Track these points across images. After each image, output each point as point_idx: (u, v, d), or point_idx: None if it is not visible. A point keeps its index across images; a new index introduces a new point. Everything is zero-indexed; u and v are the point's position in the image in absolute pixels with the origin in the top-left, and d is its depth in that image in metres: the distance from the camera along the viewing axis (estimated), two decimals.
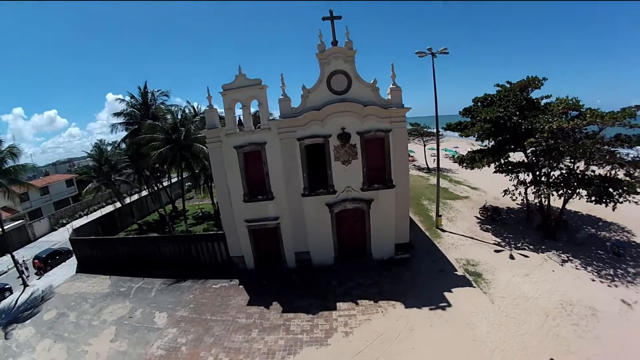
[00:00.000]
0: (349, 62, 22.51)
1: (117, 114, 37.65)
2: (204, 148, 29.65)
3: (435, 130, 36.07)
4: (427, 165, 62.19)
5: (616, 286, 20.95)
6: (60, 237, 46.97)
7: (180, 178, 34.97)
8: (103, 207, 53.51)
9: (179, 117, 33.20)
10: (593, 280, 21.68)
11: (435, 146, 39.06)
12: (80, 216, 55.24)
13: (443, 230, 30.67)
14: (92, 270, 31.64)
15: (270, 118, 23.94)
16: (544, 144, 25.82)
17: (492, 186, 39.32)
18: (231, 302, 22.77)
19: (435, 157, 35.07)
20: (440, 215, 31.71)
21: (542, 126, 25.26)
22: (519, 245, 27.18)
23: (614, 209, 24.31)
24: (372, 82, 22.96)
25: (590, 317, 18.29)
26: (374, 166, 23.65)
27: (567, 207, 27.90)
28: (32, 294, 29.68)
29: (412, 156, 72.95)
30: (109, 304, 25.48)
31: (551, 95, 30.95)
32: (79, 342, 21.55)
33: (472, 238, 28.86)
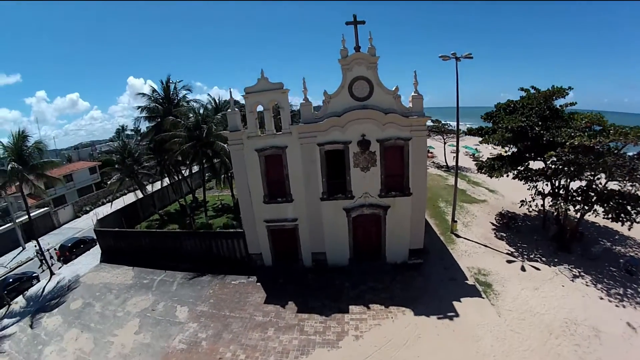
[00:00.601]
0: (372, 68, 22.96)
1: (140, 108, 38.84)
2: (225, 146, 30.65)
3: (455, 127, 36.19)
4: (446, 163, 61.84)
5: (624, 307, 20.99)
6: (84, 225, 48.87)
7: (201, 169, 35.97)
8: (125, 194, 55.13)
9: (201, 112, 34.12)
10: (601, 299, 21.77)
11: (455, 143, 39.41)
12: (103, 203, 57.20)
13: (458, 236, 31.10)
14: (116, 260, 33.22)
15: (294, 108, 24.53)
16: (564, 158, 25.93)
17: (511, 190, 39.19)
18: (249, 299, 23.89)
19: (455, 155, 35.39)
20: (456, 221, 32.10)
21: (564, 140, 25.28)
22: (531, 256, 27.34)
23: (629, 229, 24.47)
24: (393, 89, 23.39)
25: (593, 339, 18.50)
26: (393, 173, 24.25)
27: (586, 216, 27.79)
28: (58, 282, 31.30)
29: (431, 152, 72.94)
30: (132, 295, 26.90)
31: (576, 103, 31.13)
32: (104, 333, 22.96)
33: (486, 246, 29.19)
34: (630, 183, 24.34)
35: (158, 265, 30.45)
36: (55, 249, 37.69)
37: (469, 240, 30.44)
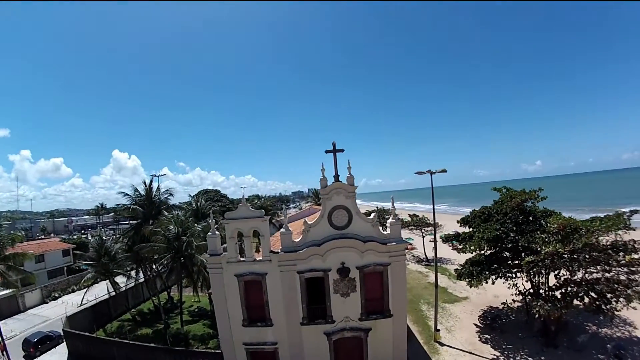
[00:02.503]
0: (350, 197, 24.71)
1: (118, 211, 39.74)
2: (205, 260, 31.30)
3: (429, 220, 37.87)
4: (426, 256, 63.95)
5: None
6: (51, 313, 47.85)
7: (179, 277, 36.35)
8: (97, 282, 54.56)
9: (182, 220, 34.98)
10: None
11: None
12: (74, 290, 56.31)
13: (442, 344, 31.58)
14: None
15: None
16: (540, 263, 27.52)
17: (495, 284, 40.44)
18: None
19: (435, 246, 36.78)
20: (439, 330, 32.73)
21: (539, 247, 27.38)
22: (517, 358, 28.14)
23: (611, 319, 26.06)
24: (372, 217, 25.08)
25: None
26: (372, 297, 25.19)
27: None
28: None
29: (411, 244, 75.25)
30: None
31: (546, 197, 33.86)
32: None
33: (471, 353, 29.74)
34: (606, 272, 26.32)
35: None
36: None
37: (453, 347, 30.95)
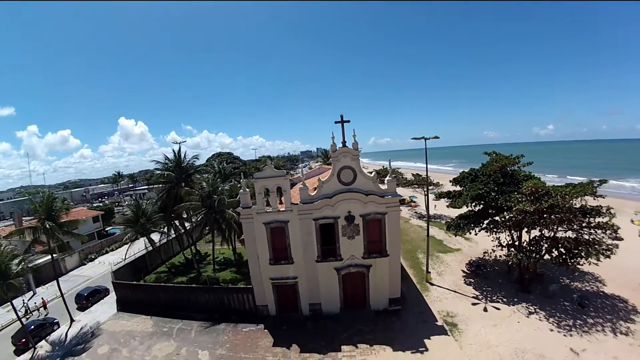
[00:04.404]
0: (355, 159, 31.83)
1: (151, 179, 46.90)
2: (234, 214, 38.85)
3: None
4: (429, 213, 70.94)
5: (571, 335, 28.59)
6: (91, 272, 55.93)
7: (212, 231, 43.60)
8: (127, 243, 62.50)
9: (210, 182, 42.24)
10: (551, 331, 29.49)
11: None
12: (107, 252, 64.37)
13: (432, 284, 39.41)
14: (133, 310, 39.96)
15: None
16: (513, 219, 34.55)
17: (485, 238, 45.45)
18: (259, 344, 31.44)
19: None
20: (429, 272, 40.43)
21: (513, 205, 33.96)
22: (494, 298, 35.49)
23: (574, 271, 33.28)
24: (372, 175, 32.26)
25: None
26: (373, 240, 32.67)
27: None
28: (81, 329, 37.64)
29: (414, 202, 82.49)
30: (155, 342, 33.65)
31: (532, 162, 40.58)
32: None
33: (455, 292, 37.49)
34: (571, 232, 32.97)
35: (174, 315, 37.43)
36: (42, 298, 44.42)
37: (441, 287, 38.74)
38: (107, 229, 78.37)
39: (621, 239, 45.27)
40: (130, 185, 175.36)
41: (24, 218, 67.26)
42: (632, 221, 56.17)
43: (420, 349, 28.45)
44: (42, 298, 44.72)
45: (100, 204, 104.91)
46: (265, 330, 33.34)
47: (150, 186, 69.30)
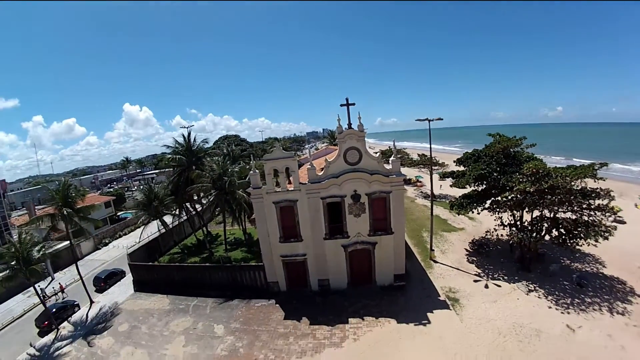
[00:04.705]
0: (360, 140, 33.20)
1: (161, 164, 48.59)
2: (244, 195, 40.54)
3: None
4: (432, 192, 72.09)
5: (568, 313, 29.66)
6: (106, 256, 58.13)
7: (223, 212, 45.52)
8: (140, 227, 64.51)
9: (220, 164, 43.95)
10: (549, 308, 30.69)
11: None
12: (120, 236, 66.64)
13: (435, 262, 41.01)
14: (150, 290, 41.97)
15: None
16: (513, 198, 35.87)
17: (489, 218, 46.25)
18: (271, 317, 33.35)
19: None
20: (433, 250, 42.10)
21: (514, 185, 34.98)
22: (495, 276, 36.91)
23: (573, 251, 34.43)
24: (377, 155, 33.63)
25: (534, 337, 27.03)
26: (378, 218, 34.19)
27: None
28: (100, 309, 39.70)
29: (420, 182, 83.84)
30: (172, 318, 35.66)
31: (535, 144, 41.47)
32: (156, 348, 31.35)
33: (458, 269, 39.04)
34: (572, 213, 33.93)
35: (189, 293, 39.41)
36: (59, 283, 46.64)
37: (444, 264, 40.32)
38: (118, 213, 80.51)
39: (624, 223, 46.89)
40: (138, 171, 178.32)
41: (36, 207, 69.57)
42: (637, 205, 56.87)
43: (423, 322, 30.08)
44: (59, 283, 46.91)
45: (112, 189, 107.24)
46: (277, 305, 35.23)
47: (160, 170, 71.32)
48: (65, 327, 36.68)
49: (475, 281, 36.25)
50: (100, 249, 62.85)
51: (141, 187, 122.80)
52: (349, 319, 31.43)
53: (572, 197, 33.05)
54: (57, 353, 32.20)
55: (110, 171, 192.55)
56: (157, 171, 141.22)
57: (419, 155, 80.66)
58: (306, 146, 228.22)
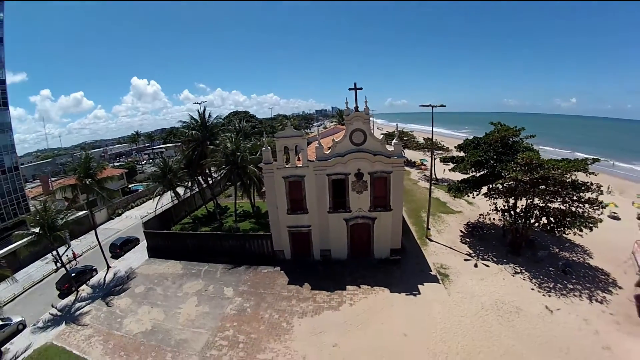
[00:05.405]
0: (366, 123, 36.03)
1: (176, 135, 51.77)
2: (256, 170, 43.73)
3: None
4: (435, 176, 74.67)
5: (549, 296, 31.98)
6: (120, 226, 61.53)
7: (234, 186, 48.74)
8: (150, 199, 67.78)
9: (234, 139, 46.96)
10: (532, 289, 33.19)
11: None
12: (132, 207, 70.25)
13: (430, 240, 44.08)
14: (163, 256, 45.21)
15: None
16: (506, 186, 38.63)
17: (487, 202, 47.48)
18: (276, 282, 36.77)
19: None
20: (429, 229, 45.17)
21: (508, 173, 37.34)
22: (485, 257, 39.72)
23: (560, 239, 36.92)
24: (381, 137, 36.55)
25: (513, 313, 29.58)
26: (378, 195, 37.20)
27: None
28: (115, 274, 42.86)
29: (424, 165, 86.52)
30: (185, 281, 38.89)
31: (535, 135, 44.28)
32: (171, 307, 34.48)
33: (451, 248, 42.06)
34: (561, 204, 35.94)
35: (201, 260, 42.67)
36: (72, 250, 49.80)
37: (438, 243, 43.35)
38: (130, 186, 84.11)
39: (619, 219, 49.53)
40: (147, 145, 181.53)
41: (51, 180, 73.31)
42: (633, 203, 58.81)
43: (414, 292, 33.20)
44: (72, 250, 49.78)
45: (123, 163, 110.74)
46: (282, 272, 38.62)
47: (168, 145, 74.06)
48: (84, 290, 39.68)
49: (466, 260, 39.14)
50: (113, 219, 66.00)
51: (151, 160, 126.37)
52: (347, 287, 34.66)
53: (561, 189, 35.18)
54: (78, 312, 35.17)
55: (119, 145, 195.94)
56: (166, 145, 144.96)
57: (424, 139, 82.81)
58: (315, 124, 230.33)
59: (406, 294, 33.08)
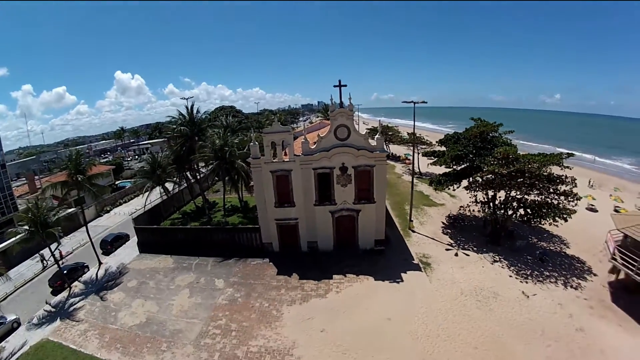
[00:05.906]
0: (350, 119, 37.68)
1: (162, 130, 53.00)
2: (243, 165, 45.19)
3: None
4: (419, 170, 77.00)
5: (526, 282, 33.83)
6: (108, 222, 61.97)
7: (223, 180, 50.08)
8: (138, 195, 68.62)
9: (222, 135, 48.32)
10: (510, 277, 35.18)
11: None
12: (120, 204, 70.99)
13: (413, 231, 46.05)
14: (154, 251, 45.99)
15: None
16: (484, 178, 40.56)
17: (468, 196, 49.25)
18: (266, 273, 38.29)
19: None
20: (412, 221, 47.14)
21: (486, 167, 39.37)
22: (466, 247, 41.71)
23: (535, 229, 39.05)
24: (364, 133, 38.34)
25: (491, 298, 31.38)
26: (362, 188, 38.96)
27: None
28: (107, 270, 43.46)
29: (409, 159, 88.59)
30: (177, 275, 39.96)
31: (513, 131, 46.54)
32: (164, 299, 35.58)
33: (433, 239, 44.05)
34: (537, 195, 37.63)
35: (191, 254, 43.74)
36: (59, 250, 48.19)
37: (421, 234, 45.33)
38: (117, 182, 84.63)
39: (596, 211, 52.14)
40: (132, 140, 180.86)
41: (36, 177, 73.34)
42: (611, 196, 61.06)
43: (397, 280, 35.05)
44: (59, 250, 47.49)
45: (109, 159, 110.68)
46: (270, 263, 40.16)
47: (154, 141, 74.95)
48: (77, 286, 40.07)
49: (447, 250, 41.09)
50: (102, 215, 66.32)
51: (137, 157, 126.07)
52: (333, 276, 36.33)
53: (538, 181, 37.01)
54: (72, 308, 35.76)
55: (104, 141, 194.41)
56: (152, 141, 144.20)
57: (408, 134, 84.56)
58: (301, 119, 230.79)
59: (390, 282, 34.87)
